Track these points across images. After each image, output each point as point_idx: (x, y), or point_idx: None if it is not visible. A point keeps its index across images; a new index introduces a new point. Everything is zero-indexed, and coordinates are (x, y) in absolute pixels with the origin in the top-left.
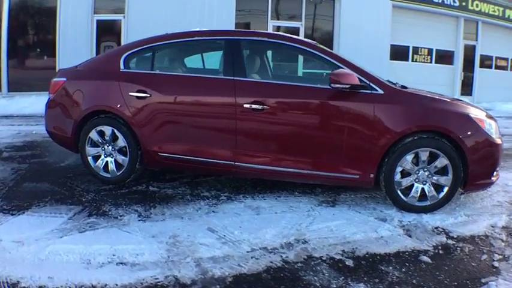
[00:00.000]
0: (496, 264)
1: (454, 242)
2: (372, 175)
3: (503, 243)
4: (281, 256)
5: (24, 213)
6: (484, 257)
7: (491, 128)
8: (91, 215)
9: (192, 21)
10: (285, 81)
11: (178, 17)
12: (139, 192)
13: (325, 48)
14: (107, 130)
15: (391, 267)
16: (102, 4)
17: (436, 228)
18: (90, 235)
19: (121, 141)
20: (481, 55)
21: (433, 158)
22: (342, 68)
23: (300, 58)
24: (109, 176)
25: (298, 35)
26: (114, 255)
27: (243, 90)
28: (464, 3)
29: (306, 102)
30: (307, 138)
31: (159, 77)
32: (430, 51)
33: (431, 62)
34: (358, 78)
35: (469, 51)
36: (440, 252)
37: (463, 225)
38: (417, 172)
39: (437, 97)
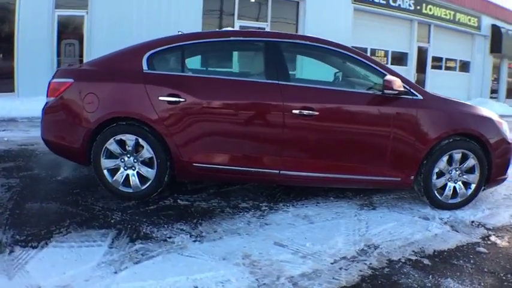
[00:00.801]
0: None
1: (494, 233)
2: (412, 177)
3: None
4: (365, 264)
5: (48, 244)
6: None
7: (506, 129)
8: (134, 239)
9: (159, 20)
10: (330, 86)
11: (145, 16)
12: (170, 207)
13: (366, 55)
14: (129, 139)
15: (461, 261)
16: None
17: (472, 222)
18: (151, 266)
19: (146, 152)
20: (432, 57)
21: (463, 158)
22: (386, 74)
23: (338, 63)
24: (131, 191)
25: None
26: None
27: (290, 95)
28: (418, 7)
29: (354, 108)
30: (355, 144)
31: (194, 79)
32: (386, 52)
33: (387, 64)
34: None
35: (422, 53)
36: (489, 242)
37: (491, 218)
38: (450, 172)
39: (464, 102)
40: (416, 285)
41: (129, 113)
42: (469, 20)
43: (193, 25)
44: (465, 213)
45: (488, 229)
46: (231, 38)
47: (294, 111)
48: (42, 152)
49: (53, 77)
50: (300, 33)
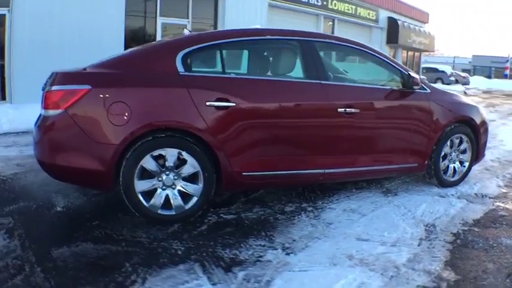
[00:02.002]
0: None
1: (498, 200)
2: (426, 162)
3: None
4: (440, 240)
5: None
6: None
7: (484, 113)
8: (227, 268)
9: (85, 19)
10: (362, 84)
11: (71, 15)
12: (222, 224)
13: (385, 54)
14: (171, 154)
15: (497, 223)
16: None
17: (476, 194)
18: None
19: (190, 166)
20: None
21: (459, 141)
22: (402, 70)
23: (363, 61)
24: (173, 213)
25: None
26: None
27: (334, 94)
28: (325, 2)
29: (385, 103)
30: (387, 137)
31: (241, 81)
32: None
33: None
34: None
35: None
36: (501, 207)
37: (485, 189)
38: (451, 154)
39: (453, 93)
40: (489, 245)
41: (171, 122)
42: (368, 13)
43: (116, 25)
44: (464, 188)
45: (491, 198)
46: (267, 37)
47: (339, 109)
48: (6, 176)
49: (53, 84)
50: (219, 29)
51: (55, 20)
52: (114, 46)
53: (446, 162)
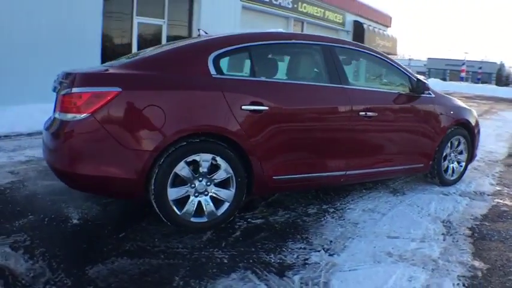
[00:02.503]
0: None
1: (496, 197)
2: (430, 162)
3: (508, 189)
4: (460, 234)
5: None
6: None
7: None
8: (282, 273)
9: (62, 19)
10: (377, 88)
11: (47, 14)
12: (254, 229)
13: (394, 60)
14: (205, 159)
15: (503, 218)
16: None
17: (475, 192)
18: None
19: (223, 172)
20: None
21: (458, 142)
22: (410, 76)
23: (376, 66)
24: (205, 220)
25: (161, 32)
26: None
27: (355, 98)
28: (295, 5)
29: (399, 106)
30: (400, 139)
31: (273, 85)
32: None
33: None
34: None
35: None
36: (501, 203)
37: (481, 187)
38: (450, 155)
39: (451, 97)
40: (503, 237)
41: (208, 127)
42: (336, 17)
43: (94, 25)
44: (462, 186)
45: (489, 195)
46: (292, 41)
47: (360, 113)
48: (2, 185)
49: (72, 85)
50: (195, 30)
51: (19, 21)
52: (91, 46)
53: (446, 162)
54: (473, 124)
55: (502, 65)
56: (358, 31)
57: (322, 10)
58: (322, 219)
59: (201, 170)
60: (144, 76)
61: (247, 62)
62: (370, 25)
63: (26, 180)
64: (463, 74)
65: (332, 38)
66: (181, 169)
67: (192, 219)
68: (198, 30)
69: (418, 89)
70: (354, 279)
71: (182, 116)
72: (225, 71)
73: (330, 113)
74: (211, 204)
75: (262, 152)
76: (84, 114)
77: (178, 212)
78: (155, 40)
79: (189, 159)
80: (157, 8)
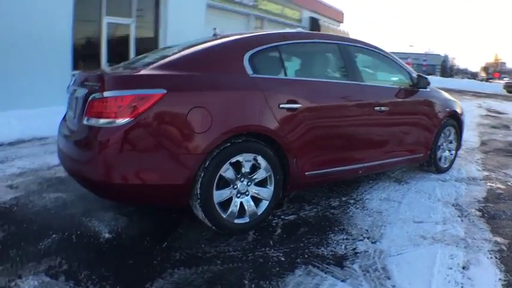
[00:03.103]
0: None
1: (487, 181)
2: (428, 152)
3: (495, 173)
4: (473, 215)
5: None
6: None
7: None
8: (347, 264)
9: (31, 20)
10: (385, 85)
11: (18, 17)
12: (291, 226)
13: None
14: (247, 159)
15: (501, 199)
16: None
17: (468, 178)
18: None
19: (264, 170)
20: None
21: (449, 133)
22: (413, 74)
23: (382, 63)
24: (247, 220)
25: (129, 31)
26: None
27: (370, 94)
28: (256, 3)
29: (405, 100)
30: (407, 130)
31: (305, 83)
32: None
33: None
34: None
35: None
36: (494, 186)
37: (472, 173)
38: (443, 144)
39: (440, 90)
40: (509, 216)
41: (252, 127)
42: (293, 13)
43: (64, 26)
44: (454, 173)
45: (481, 180)
46: (315, 40)
47: (375, 108)
48: (7, 202)
49: (103, 89)
50: (162, 29)
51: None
52: (62, 48)
53: (440, 151)
54: (460, 115)
55: (446, 57)
56: (314, 27)
57: (281, 7)
58: (348, 210)
59: (243, 170)
60: (188, 77)
61: (278, 61)
62: (325, 21)
63: (30, 194)
64: (424, 69)
65: (346, 37)
66: (226, 171)
67: (236, 221)
68: (214, 29)
69: (420, 84)
70: (405, 262)
71: (227, 116)
72: (263, 71)
73: (351, 108)
74: (252, 204)
75: (297, 149)
76: (126, 119)
77: (223, 215)
78: (124, 40)
79: (233, 160)
80: (125, 6)
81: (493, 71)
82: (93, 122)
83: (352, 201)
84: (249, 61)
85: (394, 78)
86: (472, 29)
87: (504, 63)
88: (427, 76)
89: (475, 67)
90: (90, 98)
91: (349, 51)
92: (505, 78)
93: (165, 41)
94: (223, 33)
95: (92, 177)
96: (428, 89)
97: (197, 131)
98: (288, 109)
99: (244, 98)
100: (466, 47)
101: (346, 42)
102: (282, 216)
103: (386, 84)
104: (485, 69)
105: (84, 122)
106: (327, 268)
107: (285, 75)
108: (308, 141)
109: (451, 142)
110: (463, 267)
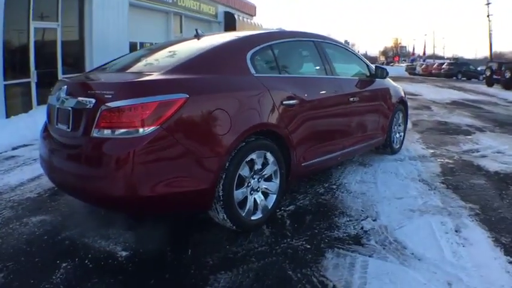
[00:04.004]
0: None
1: (435, 157)
2: (385, 135)
3: (439, 150)
4: (448, 183)
5: None
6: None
7: None
8: (363, 242)
9: None
10: (352, 77)
11: None
12: (300, 214)
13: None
14: (258, 156)
15: (456, 173)
16: None
17: (419, 156)
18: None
19: (272, 165)
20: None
21: (398, 116)
22: (367, 64)
23: (344, 57)
24: (260, 215)
25: (56, 35)
26: None
27: (343, 86)
28: (175, 0)
29: (369, 89)
30: (373, 117)
31: (297, 79)
32: (151, 45)
33: None
34: None
35: None
36: (445, 162)
37: (420, 152)
38: (394, 127)
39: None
40: (468, 185)
41: (264, 125)
42: (209, 9)
43: None
44: (406, 153)
45: (431, 157)
46: (297, 38)
47: (350, 98)
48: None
49: (116, 98)
50: (87, 31)
51: None
52: None
53: (393, 134)
54: (405, 100)
55: (346, 43)
56: (230, 21)
57: (198, 3)
58: (336, 195)
59: (255, 167)
60: (204, 80)
61: (273, 60)
62: (239, 15)
63: (7, 221)
64: None
65: (317, 34)
66: (243, 169)
67: (252, 218)
68: (196, 30)
69: (379, 74)
70: (410, 233)
71: (243, 116)
72: (262, 70)
73: (333, 100)
74: (263, 199)
75: (297, 142)
76: (151, 128)
77: (242, 214)
78: (51, 44)
79: (249, 158)
80: (51, 11)
81: (393, 54)
82: (108, 133)
83: (334, 186)
84: (251, 61)
85: (357, 70)
86: (371, 14)
87: (404, 46)
88: (383, 66)
89: (374, 52)
90: (103, 108)
91: (322, 47)
92: (403, 62)
93: (90, 42)
94: (201, 34)
95: (112, 192)
96: (381, 79)
97: (219, 133)
98: (288, 105)
99: (255, 98)
100: (365, 33)
101: (318, 39)
102: (283, 208)
103: (353, 77)
104: (384, 53)
105: (95, 134)
106: (350, 248)
107: (279, 73)
108: (302, 133)
109: (399, 125)
110: (456, 231)
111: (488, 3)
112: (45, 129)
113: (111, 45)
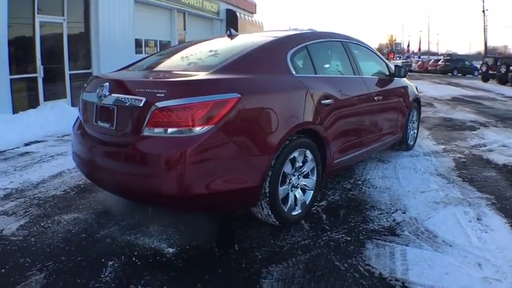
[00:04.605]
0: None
1: (447, 153)
2: (402, 133)
3: (449, 146)
4: (465, 175)
5: None
6: (457, 149)
7: None
8: (398, 232)
9: None
10: (377, 76)
11: None
12: (331, 210)
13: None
14: (299, 154)
15: (469, 167)
16: None
17: (432, 151)
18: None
19: (311, 162)
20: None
21: (413, 114)
22: (390, 65)
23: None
24: (300, 211)
25: (62, 30)
26: None
27: (369, 85)
28: None
29: (391, 88)
30: (394, 115)
31: (331, 80)
32: (155, 42)
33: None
34: None
35: (182, 40)
36: (456, 156)
37: (432, 147)
38: (409, 124)
39: None
40: (482, 177)
41: (307, 124)
42: (212, 6)
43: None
44: (419, 149)
45: (443, 152)
46: (328, 39)
47: (375, 97)
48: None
49: (180, 95)
50: (93, 27)
51: None
52: None
53: (408, 131)
54: (419, 98)
55: None
56: (232, 19)
57: (201, 0)
58: (363, 190)
59: (296, 165)
60: (254, 80)
61: (309, 60)
62: (241, 13)
63: (37, 219)
64: None
65: (343, 34)
66: (287, 167)
67: (293, 213)
68: (229, 30)
69: (399, 73)
70: (438, 223)
71: (288, 116)
72: (301, 70)
73: (361, 99)
74: (302, 194)
75: (332, 140)
76: (207, 127)
77: (285, 210)
78: (57, 39)
79: (291, 156)
80: (57, 4)
81: (388, 51)
82: (160, 131)
83: (359, 182)
84: (290, 61)
85: (378, 69)
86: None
87: (399, 43)
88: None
89: None
90: (156, 107)
91: (349, 47)
92: (397, 58)
93: (97, 38)
94: (234, 34)
95: (164, 190)
96: (399, 77)
97: (267, 132)
98: (325, 104)
99: (297, 97)
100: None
101: (345, 40)
102: (316, 204)
103: (375, 75)
104: (379, 50)
105: (145, 132)
106: (387, 238)
107: (315, 73)
108: (336, 132)
109: (414, 122)
110: (477, 219)
111: None
112: (80, 126)
113: (118, 41)
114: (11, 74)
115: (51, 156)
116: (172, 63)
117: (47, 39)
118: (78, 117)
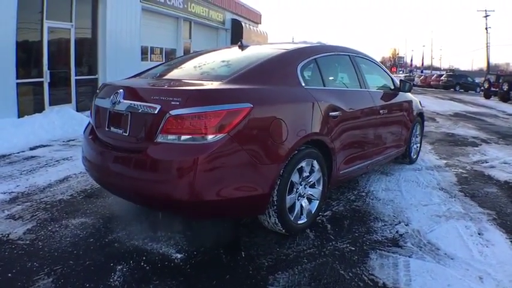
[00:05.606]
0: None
1: (449, 167)
2: (406, 146)
3: (451, 161)
4: (473, 190)
5: None
6: (459, 164)
7: None
8: (401, 244)
9: None
10: (382, 90)
11: None
12: (337, 220)
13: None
14: (307, 164)
15: (470, 182)
16: None
17: (434, 166)
18: None
19: (317, 173)
20: (194, 51)
21: (416, 128)
22: (394, 78)
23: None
24: (305, 220)
25: (70, 36)
26: None
27: (374, 99)
28: (185, 5)
29: (394, 102)
30: (397, 128)
31: (341, 92)
32: (161, 50)
33: (162, 60)
34: None
35: (187, 48)
36: (459, 172)
37: (434, 162)
38: (412, 138)
39: None
40: (484, 193)
41: (315, 135)
42: (218, 15)
43: (8, 33)
44: (422, 163)
45: (446, 167)
46: (336, 52)
47: (380, 111)
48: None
49: (195, 104)
50: (100, 33)
51: None
52: (5, 55)
53: (411, 144)
54: (423, 112)
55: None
56: (237, 29)
57: (207, 10)
58: (367, 201)
59: (304, 174)
60: (266, 90)
61: (318, 73)
62: (246, 23)
63: (44, 223)
64: None
65: (351, 48)
66: (294, 176)
67: (299, 222)
68: (240, 41)
69: (404, 88)
70: (440, 236)
71: (298, 126)
72: (310, 82)
73: (367, 112)
74: (308, 204)
75: (338, 151)
76: (220, 135)
77: (291, 218)
78: (64, 45)
79: (299, 166)
80: (65, 10)
81: (391, 65)
82: (174, 138)
83: (363, 193)
84: (300, 73)
85: (383, 83)
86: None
87: (402, 57)
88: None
89: None
90: (170, 114)
91: (356, 61)
92: (400, 72)
93: (104, 45)
94: (245, 45)
95: (175, 196)
96: (403, 91)
97: (278, 141)
98: (333, 116)
99: (306, 109)
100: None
101: (353, 53)
102: (321, 214)
103: (380, 89)
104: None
105: (159, 139)
106: (391, 249)
107: (324, 85)
108: (342, 143)
109: (417, 136)
110: (479, 234)
111: (486, 16)
112: (91, 131)
113: (124, 48)
114: (17, 78)
115: (57, 161)
116: (185, 72)
117: (54, 45)
118: (89, 123)
